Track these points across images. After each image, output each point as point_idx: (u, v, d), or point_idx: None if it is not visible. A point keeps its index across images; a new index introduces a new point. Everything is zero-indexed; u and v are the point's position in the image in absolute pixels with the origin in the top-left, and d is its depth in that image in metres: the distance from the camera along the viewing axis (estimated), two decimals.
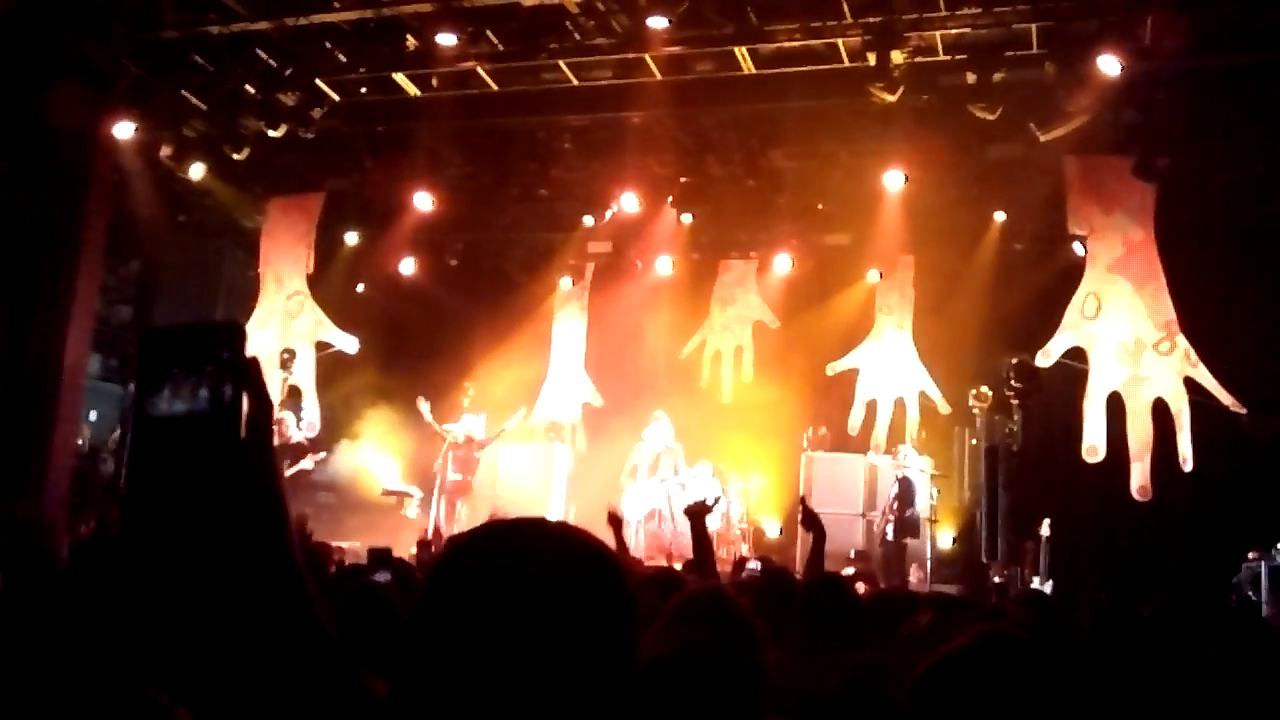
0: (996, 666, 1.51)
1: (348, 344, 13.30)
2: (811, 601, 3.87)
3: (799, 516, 5.53)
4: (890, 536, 11.84)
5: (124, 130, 10.96)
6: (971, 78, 9.52)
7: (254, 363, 1.20)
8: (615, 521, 6.62)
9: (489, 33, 10.13)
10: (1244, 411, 10.31)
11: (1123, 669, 2.87)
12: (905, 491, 11.91)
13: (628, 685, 1.23)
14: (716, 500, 6.06)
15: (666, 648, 2.33)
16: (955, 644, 1.55)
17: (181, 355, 1.15)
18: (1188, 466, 10.29)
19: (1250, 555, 10.17)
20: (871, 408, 12.87)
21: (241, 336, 1.18)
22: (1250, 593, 10.08)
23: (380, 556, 5.89)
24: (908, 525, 11.85)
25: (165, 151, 11.40)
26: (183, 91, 10.95)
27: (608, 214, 13.05)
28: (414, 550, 10.05)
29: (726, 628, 2.59)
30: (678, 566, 8.15)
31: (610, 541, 6.32)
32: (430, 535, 9.52)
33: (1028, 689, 1.50)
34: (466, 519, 12.85)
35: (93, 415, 13.24)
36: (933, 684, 1.53)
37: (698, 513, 4.86)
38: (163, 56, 10.77)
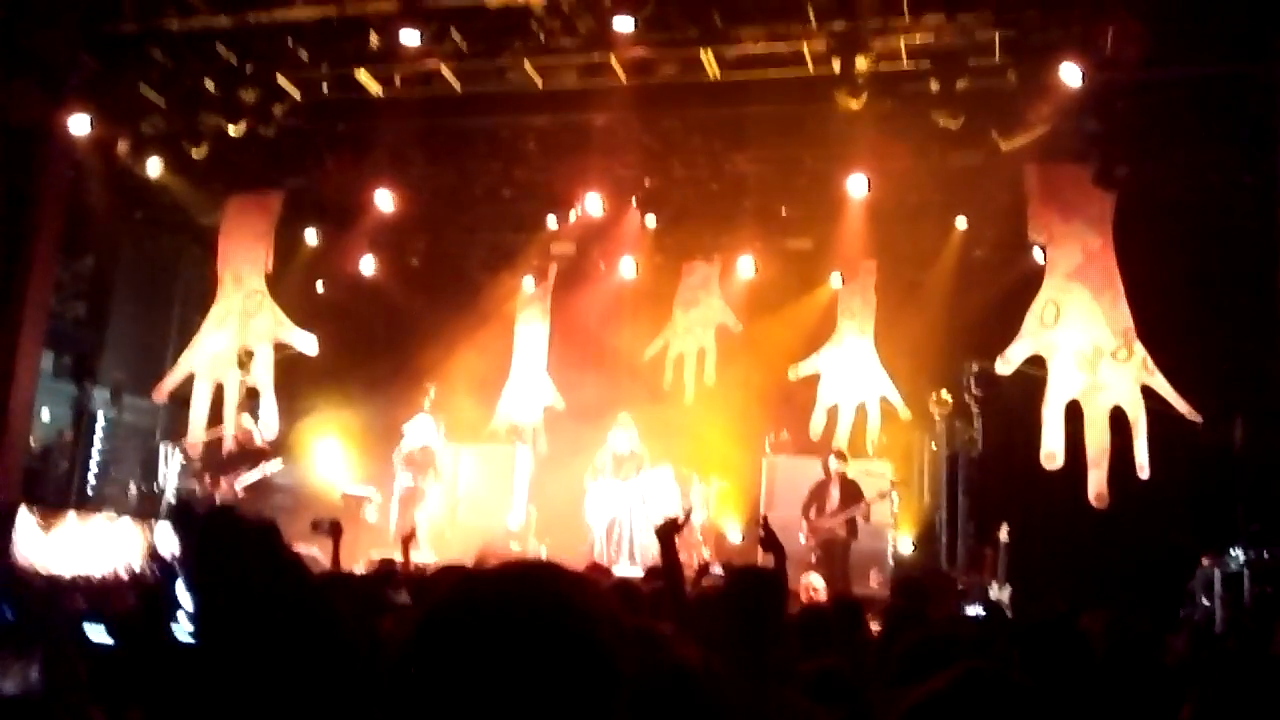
0: (979, 705, 1.49)
1: (307, 344, 13.10)
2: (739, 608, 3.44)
3: (759, 537, 5.25)
4: (843, 535, 11.74)
5: (80, 125, 10.77)
6: (935, 85, 9.57)
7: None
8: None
9: (453, 32, 10.06)
10: (1199, 420, 10.42)
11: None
12: (852, 492, 11.68)
13: None
14: (689, 514, 5.79)
15: None
16: (938, 681, 1.52)
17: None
18: (1144, 474, 10.38)
19: (1204, 561, 10.28)
20: (833, 413, 12.89)
21: None
22: (1203, 598, 10.20)
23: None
24: (853, 527, 11.71)
25: (122, 147, 11.22)
26: (141, 87, 10.79)
27: (571, 216, 13.01)
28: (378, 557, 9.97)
29: None
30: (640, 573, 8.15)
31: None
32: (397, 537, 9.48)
33: None
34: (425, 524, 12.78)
35: (45, 414, 12.98)
36: None
37: (668, 532, 4.38)
38: (120, 51, 10.60)
